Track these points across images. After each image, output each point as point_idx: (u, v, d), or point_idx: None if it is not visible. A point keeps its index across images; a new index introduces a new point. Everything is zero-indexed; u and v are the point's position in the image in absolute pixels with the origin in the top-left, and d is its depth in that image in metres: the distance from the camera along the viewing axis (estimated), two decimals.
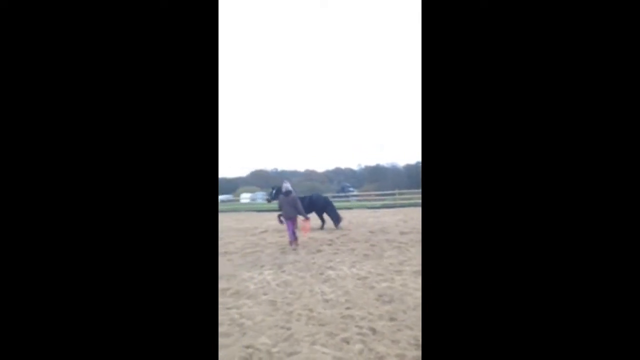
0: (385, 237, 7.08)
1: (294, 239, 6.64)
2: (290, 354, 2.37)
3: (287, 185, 6.97)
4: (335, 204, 10.30)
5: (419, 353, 2.27)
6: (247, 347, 2.49)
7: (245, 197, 31.37)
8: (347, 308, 3.19)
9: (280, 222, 9.19)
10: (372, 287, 3.78)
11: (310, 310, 3.18)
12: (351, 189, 30.65)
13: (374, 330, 2.68)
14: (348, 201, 22.26)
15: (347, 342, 2.50)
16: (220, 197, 30.93)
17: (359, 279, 4.15)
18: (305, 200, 8.77)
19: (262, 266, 5.10)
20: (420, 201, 14.13)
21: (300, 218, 6.90)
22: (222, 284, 4.17)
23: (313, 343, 2.52)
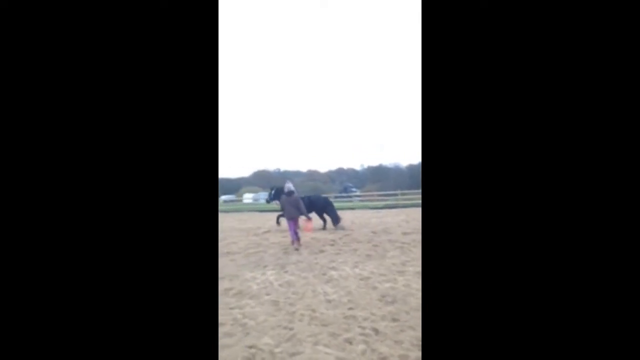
0: (388, 238, 7.07)
1: (296, 239, 6.64)
2: (293, 354, 2.37)
3: (289, 186, 6.97)
4: (338, 205, 10.33)
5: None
6: (250, 347, 2.49)
7: (247, 198, 31.41)
8: (350, 308, 3.18)
9: (278, 223, 9.20)
10: (374, 288, 3.78)
11: (313, 310, 3.18)
12: (354, 189, 30.66)
13: (376, 331, 2.67)
14: (350, 201, 22.25)
15: (350, 343, 2.50)
16: (223, 197, 31.00)
17: (361, 279, 4.15)
18: (305, 200, 8.80)
19: (264, 266, 5.10)
20: None
21: (302, 218, 6.91)
22: (225, 284, 4.18)
23: (316, 343, 2.52)
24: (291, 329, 2.79)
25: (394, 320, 2.87)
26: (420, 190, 18.94)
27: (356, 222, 10.20)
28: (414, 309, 3.08)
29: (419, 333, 2.58)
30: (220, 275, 4.66)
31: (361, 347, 2.43)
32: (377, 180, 34.89)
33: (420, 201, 16.20)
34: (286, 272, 4.69)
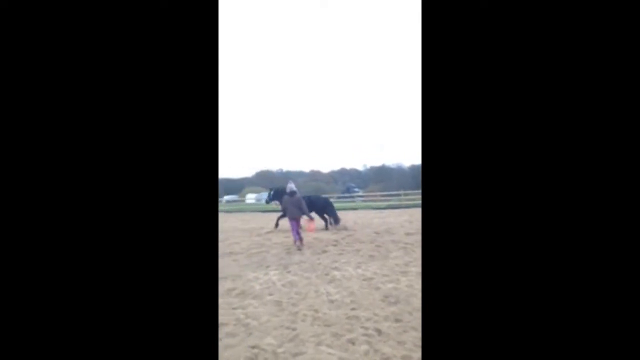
0: (391, 238, 7.05)
1: (298, 239, 6.65)
2: (296, 355, 2.37)
3: (291, 186, 6.99)
4: (341, 205, 10.33)
5: None
6: (253, 347, 2.49)
7: (250, 198, 31.46)
8: (353, 309, 3.18)
9: (276, 226, 9.18)
10: (377, 288, 3.77)
11: (316, 310, 3.18)
12: (356, 189, 30.63)
13: (379, 332, 2.67)
14: (353, 202, 22.23)
15: (353, 343, 2.50)
16: (226, 198, 31.09)
17: (364, 279, 4.14)
18: (305, 201, 8.82)
19: (267, 266, 5.11)
20: None
21: (304, 218, 6.91)
22: (227, 284, 4.19)
23: (318, 344, 2.52)
24: (294, 329, 2.79)
25: (397, 320, 2.87)
26: None
27: (359, 223, 10.19)
28: (416, 309, 3.07)
29: None
30: (223, 275, 4.66)
31: (364, 347, 2.43)
32: (380, 181, 34.80)
33: None
34: (289, 272, 4.69)
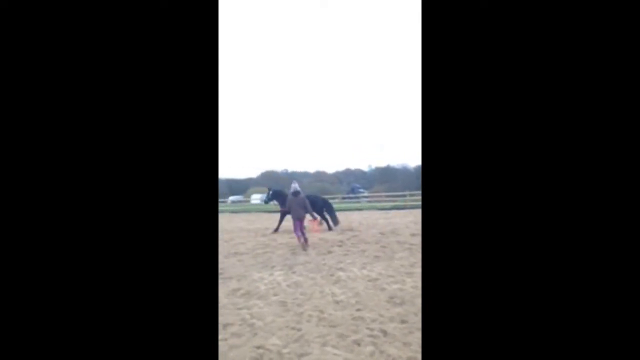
0: (396, 239, 7.03)
1: (304, 239, 6.65)
2: (301, 355, 2.37)
3: (295, 186, 7.05)
4: (346, 205, 10.31)
5: None
6: (258, 347, 2.50)
7: (255, 198, 31.50)
8: (358, 310, 3.17)
9: (276, 230, 9.18)
10: (383, 289, 3.75)
11: (321, 311, 3.17)
12: (361, 190, 30.55)
13: (385, 333, 2.66)
14: (358, 202, 22.20)
15: (358, 344, 2.49)
16: (231, 198, 31.17)
17: (369, 280, 4.13)
18: None
19: (272, 267, 5.11)
20: None
21: (307, 218, 6.93)
22: (232, 285, 4.20)
23: (324, 344, 2.51)
24: (299, 329, 2.78)
25: (403, 322, 2.85)
26: None
27: (364, 223, 10.17)
28: None
29: None
30: (228, 275, 4.68)
31: (369, 348, 2.42)
32: (385, 181, 34.69)
33: None
34: (294, 272, 4.69)
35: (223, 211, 19.62)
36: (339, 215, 9.57)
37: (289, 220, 7.65)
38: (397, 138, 72.93)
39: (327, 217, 9.13)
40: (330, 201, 10.32)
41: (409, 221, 10.02)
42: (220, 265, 5.26)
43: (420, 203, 16.86)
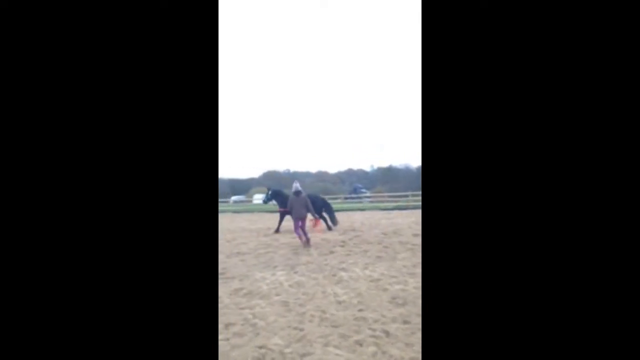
0: (399, 239, 7.02)
1: (306, 239, 6.66)
2: (303, 355, 2.36)
3: (296, 185, 7.10)
4: (348, 205, 10.30)
5: None
6: (260, 347, 2.50)
7: (257, 198, 31.52)
8: (360, 310, 3.16)
9: (277, 231, 9.18)
10: (385, 290, 3.75)
11: (323, 311, 3.17)
12: (363, 190, 30.51)
13: (387, 333, 2.65)
14: (360, 202, 22.18)
15: (361, 345, 2.48)
16: (233, 198, 31.22)
17: (371, 280, 4.12)
18: None
19: (274, 267, 5.11)
20: None
21: (309, 218, 6.95)
22: (235, 284, 4.20)
23: (326, 344, 2.51)
24: (301, 329, 2.78)
25: (405, 322, 2.85)
26: None
27: (366, 224, 10.16)
28: None
29: None
30: (230, 275, 4.68)
31: (372, 349, 2.41)
32: (387, 182, 34.64)
33: None
34: (296, 272, 4.69)
35: (225, 211, 19.65)
36: (341, 215, 9.57)
37: (289, 220, 7.67)
38: (399, 138, 72.90)
39: (326, 216, 9.14)
40: (333, 201, 10.32)
41: (411, 221, 10.00)
42: (222, 265, 5.27)
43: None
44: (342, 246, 6.56)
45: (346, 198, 25.26)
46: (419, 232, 7.82)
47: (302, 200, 6.77)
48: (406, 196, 20.04)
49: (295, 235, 7.05)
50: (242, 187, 38.68)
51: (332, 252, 5.99)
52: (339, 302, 3.41)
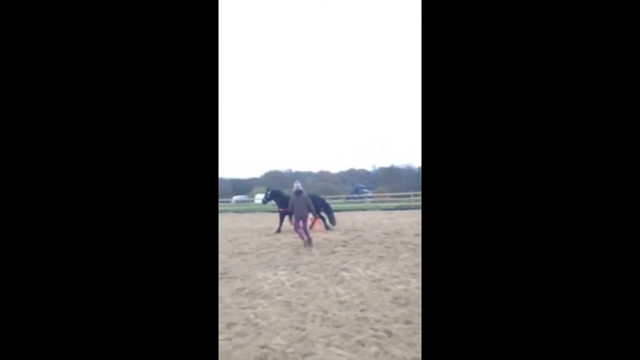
0: (400, 239, 7.01)
1: (307, 238, 6.67)
2: (305, 355, 2.36)
3: (297, 185, 7.15)
4: (350, 205, 10.29)
5: None
6: (262, 347, 2.49)
7: (259, 198, 31.57)
8: (362, 310, 3.16)
9: (278, 231, 9.18)
10: (387, 290, 3.74)
11: (325, 311, 3.17)
12: (365, 190, 30.49)
13: (389, 333, 2.65)
14: (362, 202, 22.17)
15: (363, 345, 2.48)
16: (235, 198, 31.28)
17: (373, 280, 4.12)
18: None
19: (276, 267, 5.12)
20: None
21: (309, 217, 6.99)
22: (237, 284, 4.20)
23: (328, 344, 2.50)
24: (303, 329, 2.78)
25: (407, 322, 2.84)
26: None
27: (368, 223, 10.15)
28: None
29: None
30: (232, 275, 4.69)
31: (374, 349, 2.41)
32: (389, 181, 34.55)
33: None
34: (298, 272, 4.69)
35: (227, 211, 19.68)
36: (342, 215, 9.58)
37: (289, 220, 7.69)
38: (401, 138, 72.81)
39: (325, 216, 9.15)
40: (334, 201, 10.32)
41: (413, 221, 9.99)
42: (224, 265, 5.27)
43: None
44: (344, 246, 6.56)
45: (348, 198, 25.25)
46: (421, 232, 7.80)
47: (304, 200, 6.79)
48: (408, 196, 20.01)
49: (296, 235, 7.06)
50: (244, 187, 38.72)
51: (334, 252, 5.98)
52: (341, 302, 3.40)
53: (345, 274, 4.49)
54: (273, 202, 9.96)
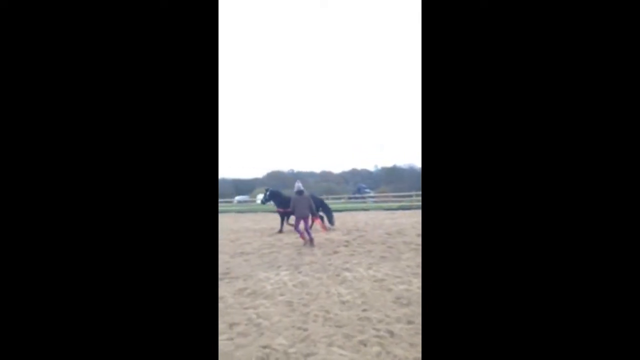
0: (403, 239, 7.00)
1: (310, 238, 6.68)
2: (307, 355, 2.36)
3: (298, 185, 7.21)
4: (352, 205, 10.29)
5: None
6: (264, 347, 2.50)
7: (261, 198, 31.57)
8: (364, 310, 3.16)
9: (280, 231, 9.19)
10: (389, 290, 3.74)
11: (327, 311, 3.17)
12: (367, 190, 30.46)
13: (391, 333, 2.65)
14: (364, 202, 22.15)
15: (365, 345, 2.48)
16: (237, 198, 31.28)
17: (375, 281, 4.11)
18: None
19: (278, 267, 5.12)
20: None
21: (310, 217, 7.02)
22: (239, 284, 4.21)
23: (330, 344, 2.51)
24: (305, 329, 2.78)
25: (409, 322, 2.84)
26: None
27: (370, 224, 10.14)
28: None
29: None
30: (234, 275, 4.69)
31: (376, 349, 2.41)
32: (391, 182, 34.50)
33: None
34: (300, 272, 4.69)
35: (229, 211, 19.71)
36: (344, 215, 9.58)
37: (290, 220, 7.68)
38: (404, 138, 72.69)
39: (324, 216, 9.15)
40: (337, 201, 10.31)
41: (415, 222, 9.97)
42: (226, 265, 5.28)
43: None
44: (346, 246, 6.56)
45: (350, 198, 25.23)
46: None
47: (305, 200, 6.83)
48: (410, 196, 19.98)
49: (298, 235, 7.08)
50: (246, 187, 38.74)
51: (336, 252, 5.98)
52: (343, 302, 3.40)
53: (347, 274, 4.49)
54: (271, 202, 9.97)
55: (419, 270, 4.46)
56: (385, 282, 4.04)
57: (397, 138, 75.58)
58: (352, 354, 2.35)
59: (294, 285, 4.08)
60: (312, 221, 7.66)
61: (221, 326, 2.90)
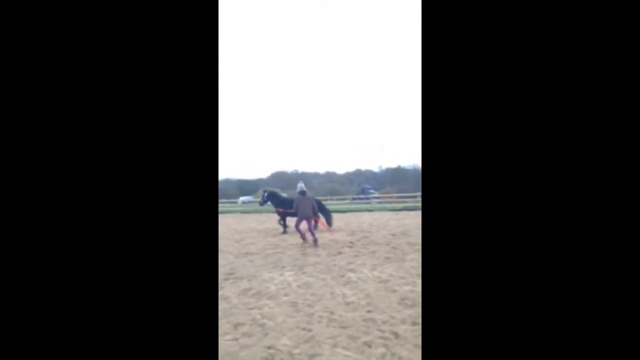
0: (407, 240, 6.98)
1: (313, 239, 6.69)
2: (312, 356, 2.36)
3: (301, 186, 7.28)
4: (356, 206, 10.27)
5: None
6: (269, 347, 2.50)
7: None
8: (369, 311, 3.15)
9: (284, 232, 9.19)
10: (394, 291, 3.73)
11: (332, 312, 3.16)
12: (372, 190, 30.38)
13: (396, 335, 2.64)
14: (369, 203, 22.11)
15: (369, 346, 2.47)
16: (242, 199, 31.34)
17: (380, 282, 4.10)
18: (295, 201, 8.88)
19: (283, 267, 5.12)
20: None
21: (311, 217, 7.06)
22: (243, 285, 4.22)
23: (334, 345, 2.50)
24: (310, 330, 2.78)
25: (414, 324, 2.83)
26: None
27: (374, 224, 10.12)
28: None
29: None
30: (239, 275, 4.70)
31: (380, 350, 2.40)
32: (396, 182, 34.42)
33: None
34: (304, 273, 4.69)
35: (233, 211, 19.75)
36: (349, 216, 9.57)
37: (291, 220, 7.70)
38: (407, 138, 72.54)
39: (322, 217, 9.16)
40: (341, 202, 10.31)
41: (419, 222, 9.93)
42: (231, 265, 5.30)
43: None
44: (351, 247, 6.55)
45: (354, 199, 25.19)
46: None
47: (308, 201, 6.88)
48: (414, 197, 19.93)
49: (299, 235, 7.10)
50: (251, 187, 38.85)
51: (340, 253, 5.98)
52: (348, 303, 3.40)
53: (351, 275, 4.48)
54: (270, 204, 9.97)
55: None
56: (390, 283, 4.03)
57: (400, 138, 75.47)
58: (357, 355, 2.35)
59: (298, 286, 4.08)
60: (316, 221, 7.69)
61: (226, 326, 2.91)
